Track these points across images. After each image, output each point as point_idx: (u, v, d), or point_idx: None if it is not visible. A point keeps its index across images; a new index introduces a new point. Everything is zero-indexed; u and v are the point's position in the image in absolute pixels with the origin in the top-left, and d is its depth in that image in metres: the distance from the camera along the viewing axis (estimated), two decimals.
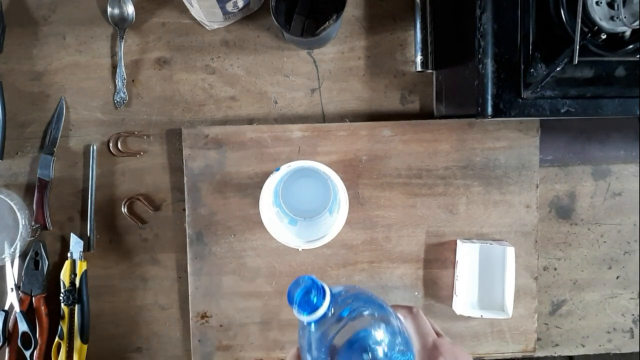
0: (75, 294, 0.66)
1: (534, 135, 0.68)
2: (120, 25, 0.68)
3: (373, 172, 0.68)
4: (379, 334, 0.37)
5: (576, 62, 0.50)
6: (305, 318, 0.36)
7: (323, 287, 0.37)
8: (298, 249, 0.60)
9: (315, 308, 0.36)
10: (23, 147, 0.69)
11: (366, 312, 0.37)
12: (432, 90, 0.70)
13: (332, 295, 0.37)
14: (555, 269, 0.72)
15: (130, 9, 0.67)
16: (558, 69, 0.52)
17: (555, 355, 0.73)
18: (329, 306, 0.36)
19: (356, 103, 0.70)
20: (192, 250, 0.67)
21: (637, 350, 0.73)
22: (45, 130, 0.69)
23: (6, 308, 0.67)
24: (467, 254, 0.67)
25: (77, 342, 0.67)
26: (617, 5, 0.51)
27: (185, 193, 0.67)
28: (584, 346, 0.73)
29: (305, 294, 0.36)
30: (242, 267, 0.68)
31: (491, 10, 0.54)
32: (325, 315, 0.36)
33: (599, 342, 0.73)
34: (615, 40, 0.53)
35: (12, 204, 0.66)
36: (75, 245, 0.67)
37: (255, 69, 0.69)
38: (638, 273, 0.72)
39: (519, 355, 0.69)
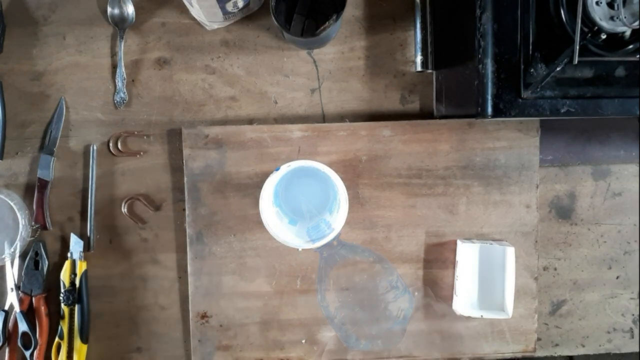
0: (75, 294, 0.66)
1: (534, 135, 0.68)
2: (120, 25, 0.68)
3: (373, 172, 0.68)
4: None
5: (576, 62, 0.50)
6: (313, 245, 0.45)
7: (332, 225, 0.46)
8: (298, 249, 0.60)
9: (323, 236, 0.45)
10: (23, 147, 0.69)
11: (370, 257, 0.45)
12: (432, 90, 0.70)
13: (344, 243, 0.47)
14: (555, 269, 0.72)
15: (130, 9, 0.68)
16: (558, 69, 0.52)
17: (555, 355, 0.73)
18: (334, 238, 0.45)
19: (356, 103, 0.70)
20: (192, 250, 0.67)
21: (637, 350, 0.73)
22: (45, 130, 0.69)
23: (6, 308, 0.67)
24: (467, 254, 0.67)
25: (77, 342, 0.67)
26: (617, 5, 0.51)
27: (185, 193, 0.67)
28: (584, 346, 0.73)
29: (317, 226, 0.46)
30: (242, 267, 0.68)
31: (491, 10, 0.54)
32: (330, 244, 0.45)
33: (599, 342, 0.73)
34: (615, 40, 0.53)
35: (12, 204, 0.66)
36: (75, 245, 0.67)
37: (255, 69, 0.69)
38: (638, 273, 0.72)
39: (519, 355, 0.69)
